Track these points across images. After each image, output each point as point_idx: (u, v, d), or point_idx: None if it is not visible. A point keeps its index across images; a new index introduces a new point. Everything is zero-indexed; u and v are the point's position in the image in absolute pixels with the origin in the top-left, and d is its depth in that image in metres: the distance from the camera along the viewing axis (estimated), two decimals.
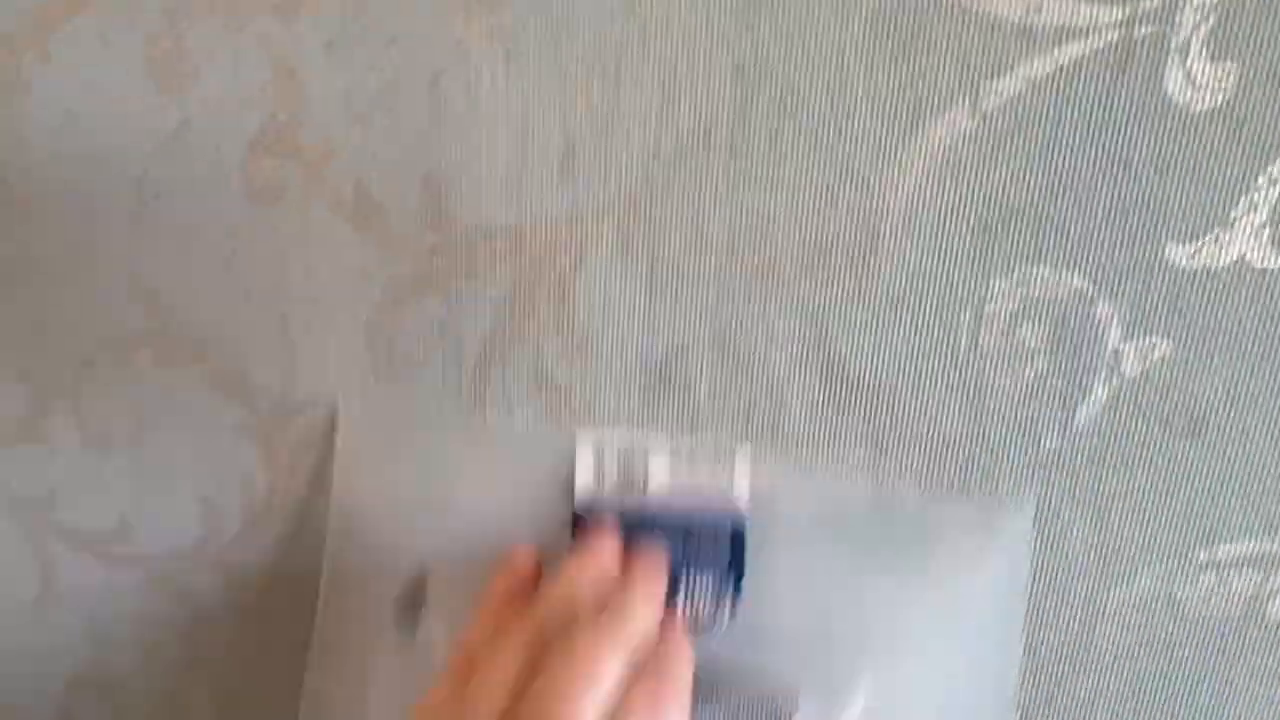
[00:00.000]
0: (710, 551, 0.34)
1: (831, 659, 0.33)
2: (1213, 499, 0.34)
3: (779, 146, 0.32)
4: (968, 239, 0.32)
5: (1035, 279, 0.32)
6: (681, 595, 0.34)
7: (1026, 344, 0.33)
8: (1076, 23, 0.30)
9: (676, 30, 0.31)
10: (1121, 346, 0.33)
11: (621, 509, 0.35)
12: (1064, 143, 0.31)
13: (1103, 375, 0.33)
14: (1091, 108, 0.30)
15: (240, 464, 0.37)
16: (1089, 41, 0.30)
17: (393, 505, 0.36)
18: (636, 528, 0.34)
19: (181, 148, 0.33)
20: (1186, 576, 0.35)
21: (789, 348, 0.34)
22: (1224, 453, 0.34)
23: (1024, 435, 0.34)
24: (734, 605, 0.34)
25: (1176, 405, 0.33)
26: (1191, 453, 0.34)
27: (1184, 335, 0.32)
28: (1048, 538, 0.34)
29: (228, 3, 0.31)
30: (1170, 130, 0.30)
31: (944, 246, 0.32)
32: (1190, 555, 0.34)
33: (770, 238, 0.33)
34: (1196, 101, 0.30)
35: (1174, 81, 0.30)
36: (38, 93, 0.33)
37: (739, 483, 0.34)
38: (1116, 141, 0.31)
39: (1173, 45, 0.30)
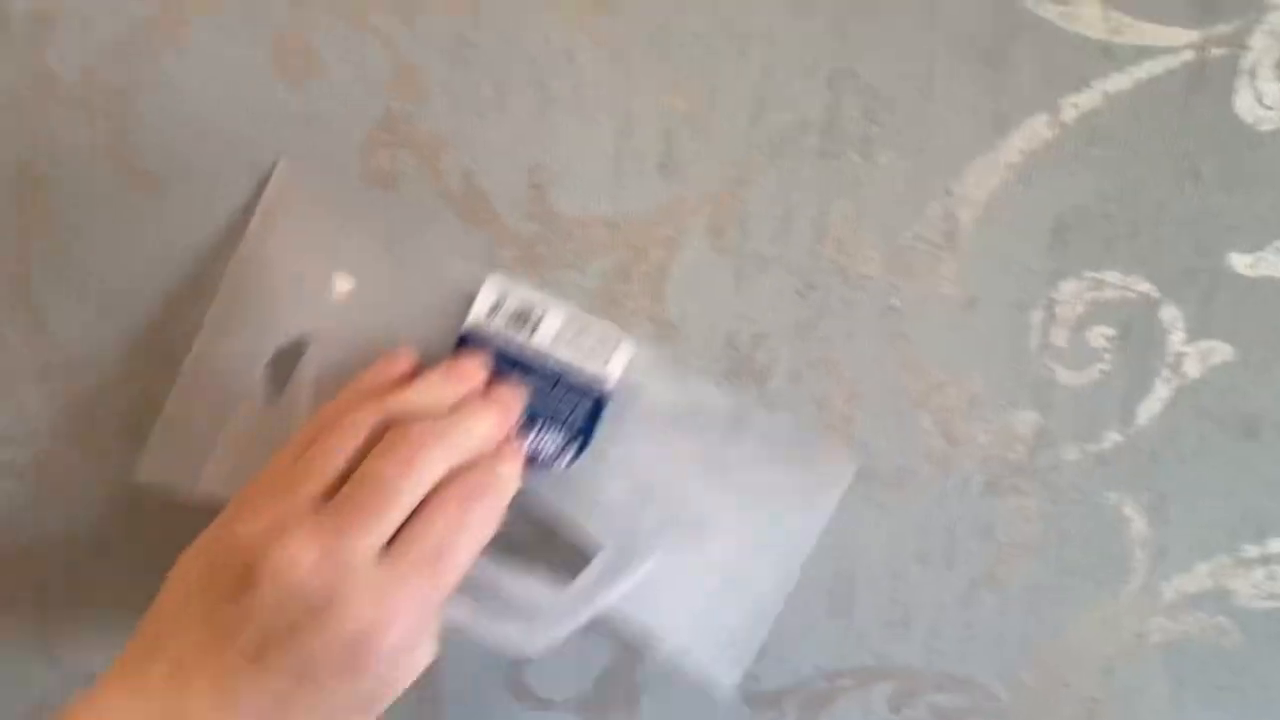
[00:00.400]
0: (568, 409, 0.37)
1: (638, 525, 0.38)
2: (1266, 496, 0.36)
3: (866, 150, 0.34)
4: (1042, 242, 0.34)
5: (1105, 282, 0.34)
6: (530, 436, 0.37)
7: (1094, 344, 0.35)
8: (1154, 44, 0.32)
9: (773, 38, 0.33)
10: (1184, 349, 0.35)
11: (504, 345, 0.37)
12: (1137, 154, 0.33)
13: (1165, 375, 0.35)
14: (1165, 123, 0.32)
15: None
16: (1165, 61, 0.32)
17: (296, 269, 0.38)
18: (511, 368, 0.37)
19: (304, 136, 0.35)
20: (1238, 570, 0.36)
21: (866, 341, 0.36)
22: (1278, 453, 0.35)
23: (1088, 429, 0.36)
24: (572, 461, 0.37)
25: (1234, 407, 0.35)
26: (1247, 452, 0.35)
27: (1244, 340, 0.34)
28: (1107, 529, 0.36)
29: (352, 2, 0.34)
30: (1238, 147, 0.32)
31: (1019, 249, 0.34)
32: (1243, 550, 0.36)
33: (855, 235, 0.35)
34: (1264, 121, 0.32)
35: (1244, 101, 0.32)
36: (173, 80, 0.35)
37: (614, 364, 0.37)
38: (1187, 155, 0.33)
39: (1243, 68, 0.32)
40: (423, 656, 0.33)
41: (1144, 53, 0.32)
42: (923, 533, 0.38)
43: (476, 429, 0.35)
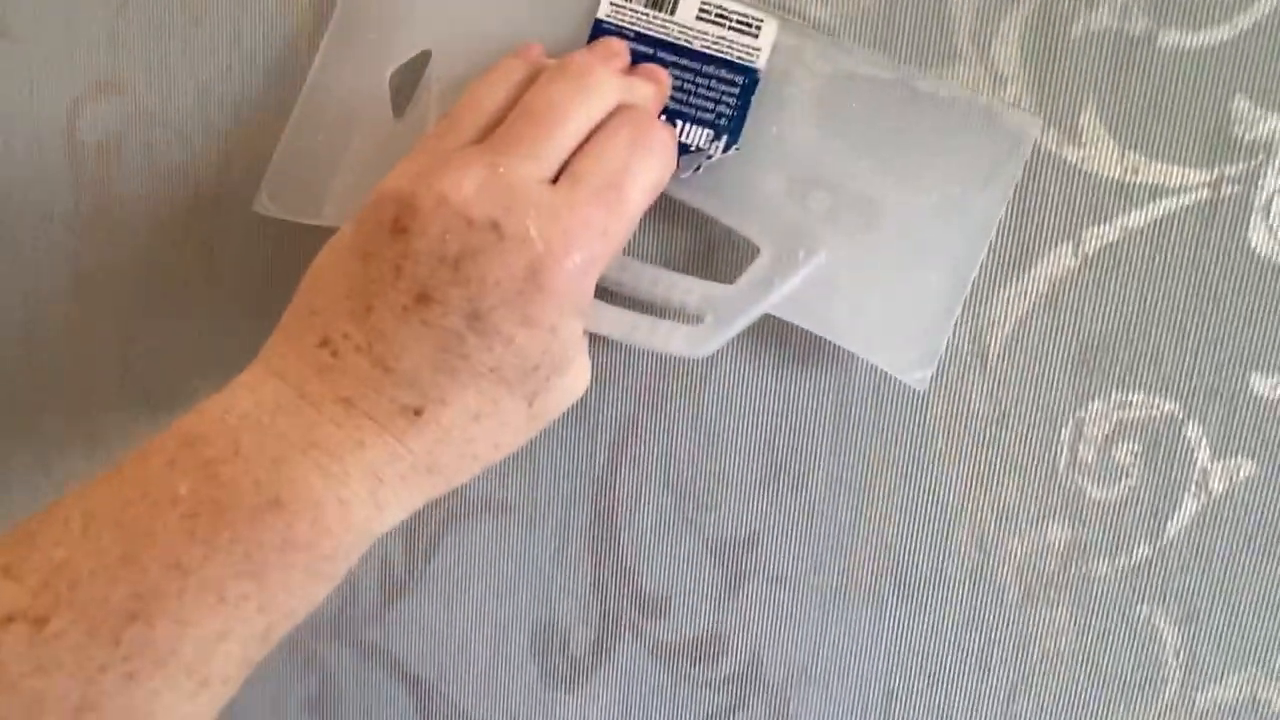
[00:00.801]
0: (716, 95, 0.35)
1: (804, 219, 0.35)
2: None
3: None
4: (1069, 364, 0.36)
5: (1130, 402, 0.36)
6: (679, 126, 0.35)
7: (1121, 461, 0.36)
8: (1169, 183, 0.34)
9: None
10: (1209, 465, 0.36)
11: (643, 29, 0.35)
12: (1157, 282, 0.35)
13: (1192, 491, 0.36)
14: (1183, 254, 0.34)
15: None
16: (1180, 199, 0.34)
17: None
18: (652, 53, 0.35)
19: None
20: (1270, 679, 0.37)
21: (898, 453, 0.37)
22: None
23: (1118, 543, 0.37)
24: (726, 148, 0.35)
25: (1260, 521, 0.36)
26: (1274, 565, 0.37)
27: (1267, 457, 0.36)
28: (1140, 640, 0.37)
29: None
30: (1254, 278, 0.34)
31: (1046, 371, 0.36)
32: (1274, 661, 0.37)
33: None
34: (1278, 254, 0.34)
35: (1258, 235, 0.34)
36: None
37: (762, 40, 0.35)
38: (1206, 284, 0.35)
39: (1256, 204, 0.34)
40: (578, 326, 0.30)
41: (1160, 191, 0.34)
42: (959, 640, 0.39)
43: (640, 86, 0.33)
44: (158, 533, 0.26)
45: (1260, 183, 0.34)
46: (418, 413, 0.28)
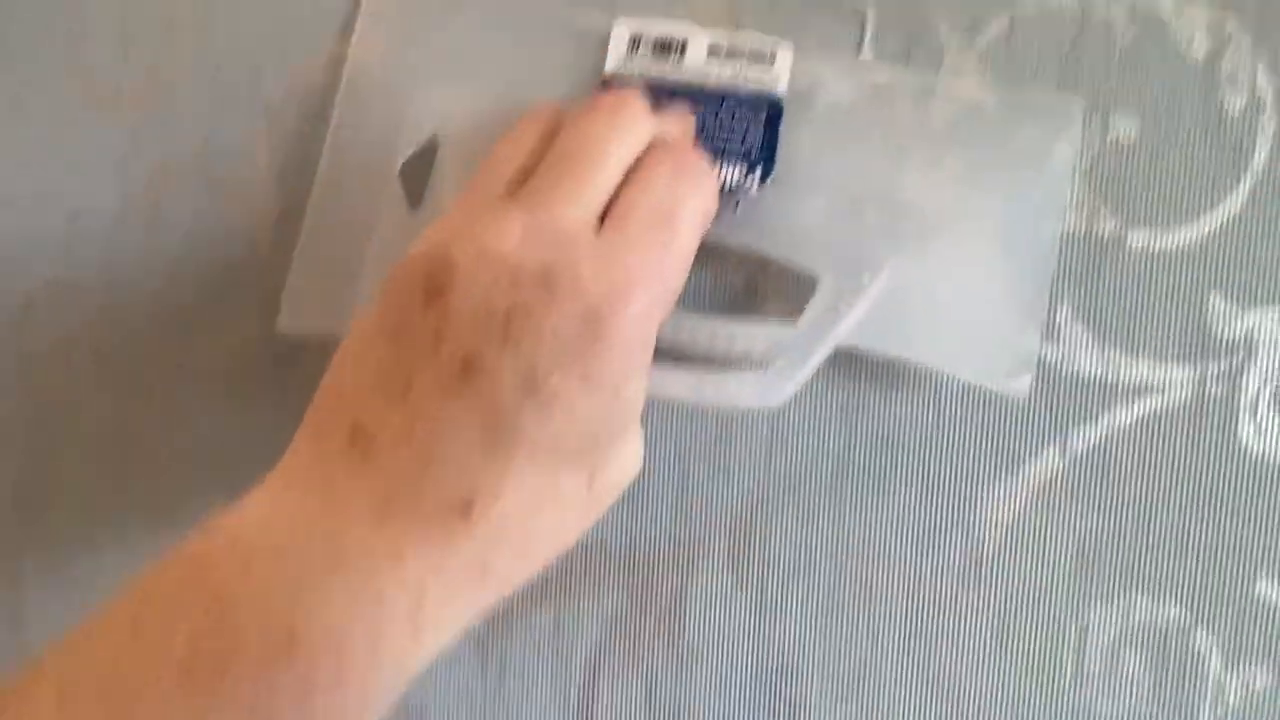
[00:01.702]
0: (741, 129, 0.33)
1: (859, 239, 0.33)
2: None
3: (881, 482, 0.34)
4: (1067, 568, 0.34)
5: (1135, 607, 0.34)
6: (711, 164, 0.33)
7: (1130, 671, 0.34)
8: (1152, 381, 0.33)
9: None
10: (1224, 676, 0.34)
11: (655, 77, 0.34)
12: (1151, 483, 0.33)
13: (1208, 702, 0.34)
14: (1174, 454, 0.33)
15: None
16: (1165, 397, 0.33)
17: (408, 74, 0.36)
18: (670, 99, 0.32)
19: None
20: None
21: (897, 670, 0.35)
22: None
23: None
24: (762, 180, 0.33)
25: None
26: None
27: None
28: None
29: None
30: (1250, 478, 0.33)
31: (1044, 576, 0.34)
32: None
33: (875, 566, 0.35)
34: (1271, 452, 0.33)
35: (1247, 434, 0.33)
36: None
37: (779, 67, 0.33)
38: (1200, 484, 0.33)
39: (1242, 403, 0.33)
40: (641, 385, 0.27)
41: (1144, 390, 0.33)
42: None
43: (665, 121, 0.31)
44: (147, 696, 0.22)
45: (1244, 381, 0.33)
46: (467, 508, 0.25)
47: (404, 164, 0.35)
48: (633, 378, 0.27)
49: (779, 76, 0.33)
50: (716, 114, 0.33)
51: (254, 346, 0.37)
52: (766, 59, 0.34)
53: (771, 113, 0.33)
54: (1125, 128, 0.33)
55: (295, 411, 0.27)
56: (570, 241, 0.26)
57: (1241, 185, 0.33)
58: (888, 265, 0.32)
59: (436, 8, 0.36)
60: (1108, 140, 0.33)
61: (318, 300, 0.36)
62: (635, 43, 0.34)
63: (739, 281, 0.35)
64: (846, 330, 0.32)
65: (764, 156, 0.33)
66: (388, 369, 0.25)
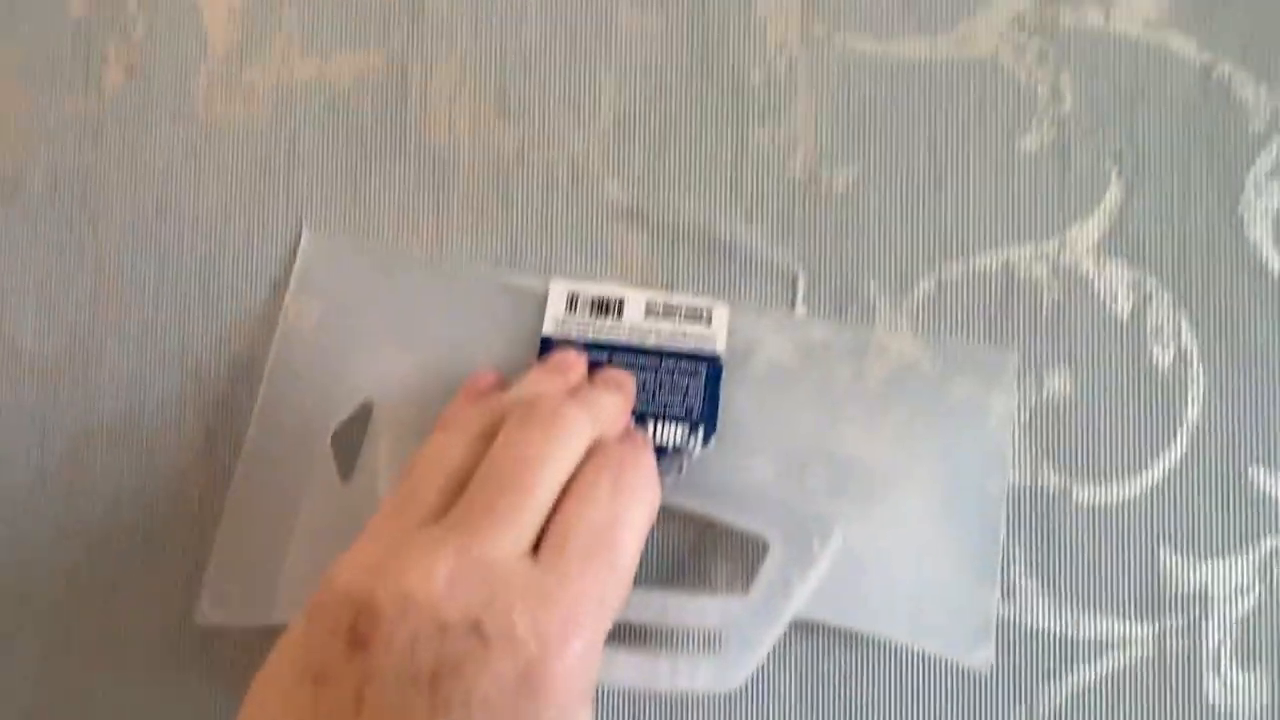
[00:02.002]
0: (682, 388, 0.33)
1: (805, 501, 0.32)
2: None
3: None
4: None
5: None
6: (650, 428, 0.32)
7: None
8: (1112, 638, 0.32)
9: None
10: None
11: (593, 337, 0.34)
12: None
13: None
14: (1140, 711, 0.32)
15: None
16: (1127, 653, 0.32)
17: (342, 337, 0.35)
18: (607, 358, 0.33)
19: None
20: None
21: None
22: None
23: None
24: (705, 441, 0.32)
25: None
26: None
27: None
28: None
29: None
30: None
31: None
32: None
33: None
34: (1238, 706, 0.32)
35: (1212, 689, 0.32)
36: None
37: (716, 330, 0.33)
38: None
39: (1205, 658, 0.32)
40: (588, 703, 0.24)
41: (1105, 646, 0.32)
42: None
43: (605, 401, 0.29)
44: None
45: (1204, 635, 0.32)
46: None
47: (336, 431, 0.34)
48: (580, 709, 0.24)
49: (716, 334, 0.34)
50: (656, 373, 0.33)
51: (181, 616, 0.34)
52: (703, 318, 0.34)
53: (711, 372, 0.33)
54: (1059, 383, 0.33)
55: (224, 684, 0.25)
56: (503, 581, 0.24)
57: (1178, 438, 0.33)
58: (836, 530, 0.32)
59: (370, 270, 0.36)
60: (1043, 396, 0.33)
61: (240, 588, 0.33)
62: (572, 302, 0.34)
63: (685, 543, 0.34)
64: (800, 602, 0.31)
65: (706, 416, 0.33)
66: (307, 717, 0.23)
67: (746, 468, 0.33)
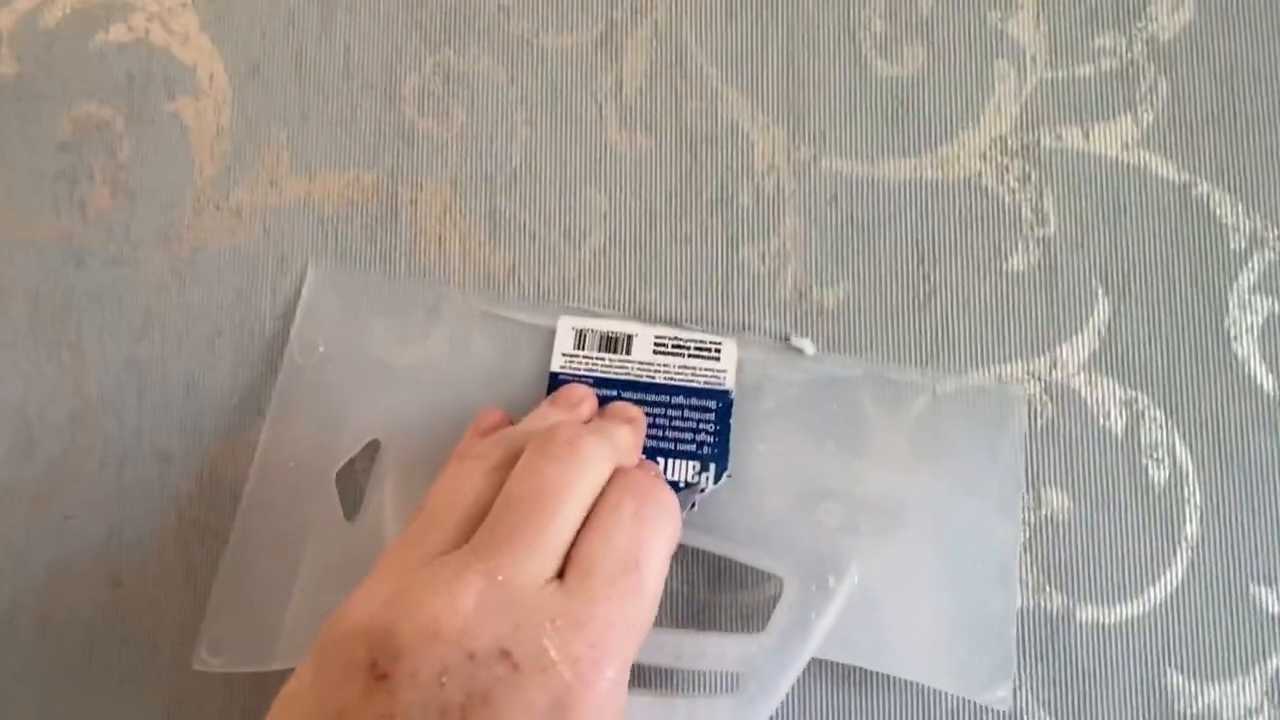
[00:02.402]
0: (693, 424, 0.32)
1: (819, 537, 0.31)
2: None
3: None
4: None
5: None
6: (661, 465, 0.32)
7: None
8: None
9: None
10: None
11: (602, 372, 0.33)
12: None
13: None
14: None
15: None
16: None
17: (347, 377, 0.34)
18: (616, 395, 0.32)
19: None
20: None
21: None
22: None
23: None
24: (716, 478, 0.32)
25: None
26: None
27: None
28: None
29: None
30: None
31: None
32: None
33: None
34: None
35: None
36: None
37: (725, 361, 0.33)
38: None
39: None
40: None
41: None
42: None
43: (620, 433, 0.28)
44: None
45: None
46: None
47: (340, 470, 0.33)
48: None
49: (726, 370, 0.33)
50: (666, 409, 0.33)
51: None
52: (712, 353, 0.33)
53: (721, 407, 0.33)
54: (1058, 501, 0.33)
55: None
56: (531, 608, 0.23)
57: (1178, 557, 0.33)
58: (852, 566, 0.31)
59: (376, 307, 0.36)
60: (1042, 515, 0.33)
61: (241, 633, 0.32)
62: (580, 339, 0.34)
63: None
64: (818, 641, 0.30)
65: (717, 454, 0.32)
66: None
67: (759, 504, 0.32)
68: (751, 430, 0.33)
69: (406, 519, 0.27)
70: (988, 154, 0.35)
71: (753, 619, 0.32)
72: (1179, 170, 0.35)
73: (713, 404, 0.33)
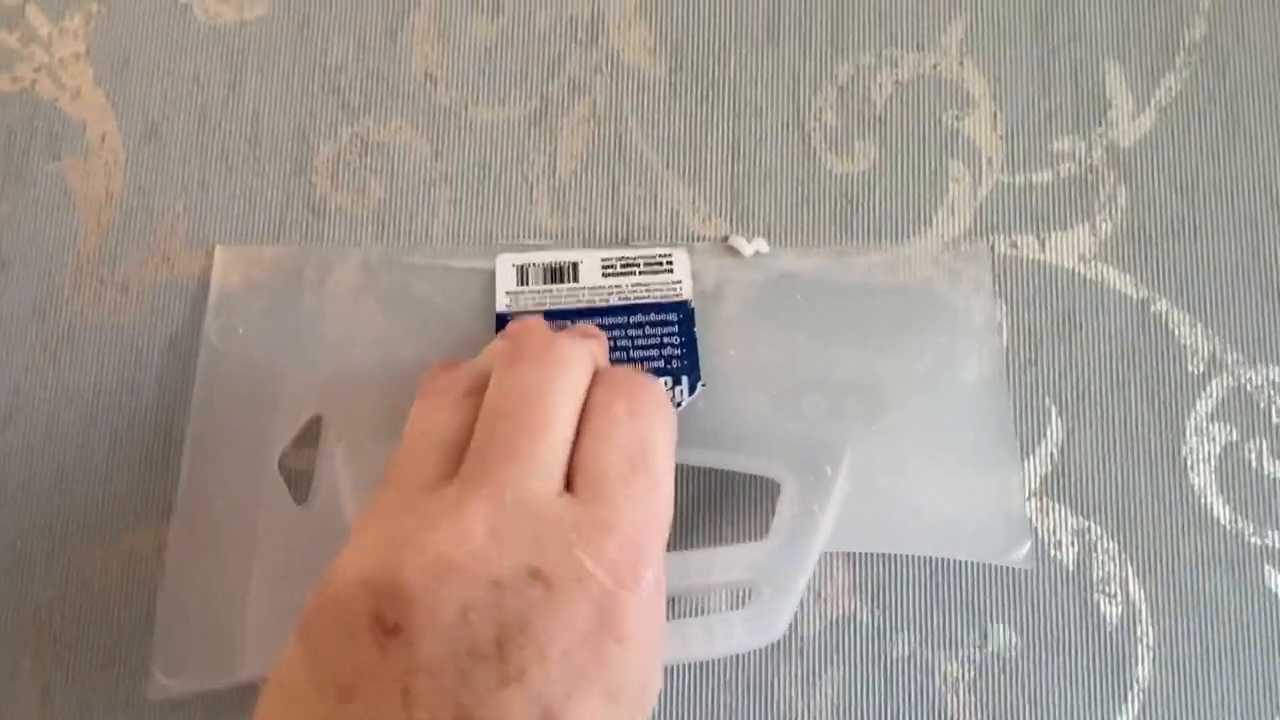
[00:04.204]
0: (657, 337, 0.31)
1: (808, 430, 0.30)
2: None
3: None
4: None
5: None
6: None
7: None
8: None
9: None
10: None
11: (551, 308, 0.31)
12: None
13: None
14: None
15: None
16: None
17: (274, 353, 0.32)
18: (571, 325, 0.30)
19: None
20: None
21: None
22: None
23: None
24: (691, 390, 0.31)
25: None
26: None
27: None
28: None
29: None
30: None
31: None
32: None
33: None
34: None
35: None
36: None
37: (679, 276, 0.32)
38: None
39: None
40: (660, 666, 0.22)
41: None
42: None
43: (588, 340, 0.26)
44: None
45: None
46: None
47: (282, 454, 0.31)
48: (658, 667, 0.22)
49: (681, 280, 0.32)
50: (626, 330, 0.31)
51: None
52: (664, 266, 0.32)
53: (683, 318, 0.31)
54: (1005, 639, 0.31)
55: None
56: (550, 521, 0.21)
57: (1130, 702, 0.30)
58: (846, 451, 0.30)
59: (296, 277, 0.33)
60: (988, 653, 0.30)
61: (196, 651, 0.29)
62: (523, 274, 0.32)
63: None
64: (826, 534, 0.28)
65: (688, 366, 0.31)
66: None
67: (739, 409, 0.30)
68: (718, 337, 0.31)
69: (365, 491, 0.25)
70: (940, 258, 0.34)
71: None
72: (1137, 286, 0.33)
73: (673, 316, 0.31)
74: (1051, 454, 0.32)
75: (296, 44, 0.35)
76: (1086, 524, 0.32)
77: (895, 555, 0.31)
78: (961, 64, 0.35)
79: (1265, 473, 0.32)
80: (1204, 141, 0.34)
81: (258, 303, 0.33)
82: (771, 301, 0.32)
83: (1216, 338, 0.33)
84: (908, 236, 0.34)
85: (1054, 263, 0.33)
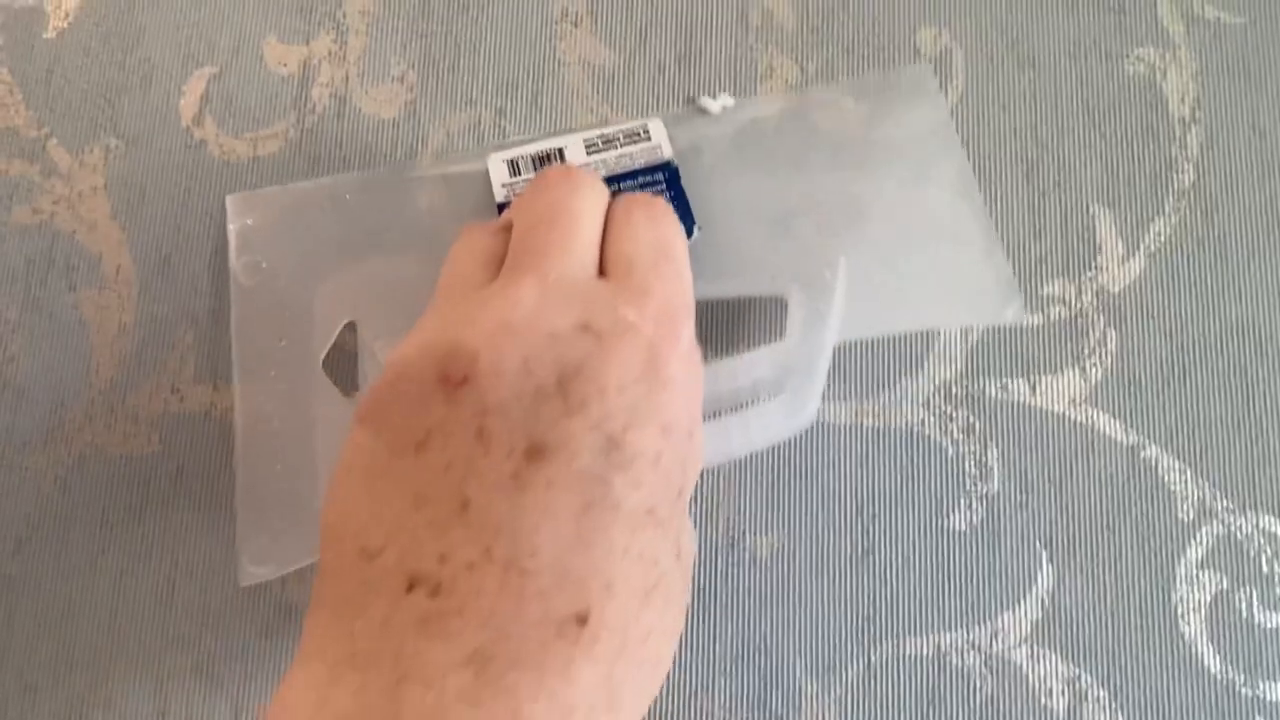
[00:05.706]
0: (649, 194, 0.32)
1: (803, 249, 0.33)
2: None
3: None
4: None
5: None
6: None
7: None
8: None
9: None
10: None
11: None
12: None
13: None
14: None
15: None
16: None
17: (301, 275, 0.34)
18: None
19: None
20: None
21: None
22: None
23: None
24: (688, 235, 0.33)
25: None
26: None
27: None
28: None
29: None
30: None
31: None
32: None
33: None
34: None
35: None
36: None
37: (658, 141, 0.34)
38: None
39: None
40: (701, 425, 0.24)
41: None
42: None
43: (599, 178, 0.28)
44: None
45: None
46: (581, 621, 0.20)
47: (325, 358, 0.33)
48: (699, 416, 0.24)
49: (660, 144, 0.34)
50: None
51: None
52: (642, 136, 0.35)
53: (669, 174, 0.34)
54: None
55: None
56: (592, 292, 0.23)
57: None
58: (840, 259, 0.32)
59: (308, 207, 0.35)
60: None
61: (278, 538, 0.32)
62: (514, 167, 0.34)
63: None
64: (838, 324, 0.32)
65: (681, 215, 0.32)
66: (425, 494, 0.21)
67: (736, 245, 0.33)
68: (703, 189, 0.34)
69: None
70: (931, 402, 0.34)
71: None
72: (1127, 431, 0.34)
73: (660, 175, 0.34)
74: (1042, 599, 0.32)
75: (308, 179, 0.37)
76: (1077, 672, 0.32)
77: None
78: None
79: (1255, 622, 0.32)
80: (1193, 287, 0.35)
81: (275, 236, 0.35)
82: (747, 146, 0.35)
83: (1206, 484, 0.33)
84: (898, 380, 0.34)
85: (1044, 407, 0.34)
